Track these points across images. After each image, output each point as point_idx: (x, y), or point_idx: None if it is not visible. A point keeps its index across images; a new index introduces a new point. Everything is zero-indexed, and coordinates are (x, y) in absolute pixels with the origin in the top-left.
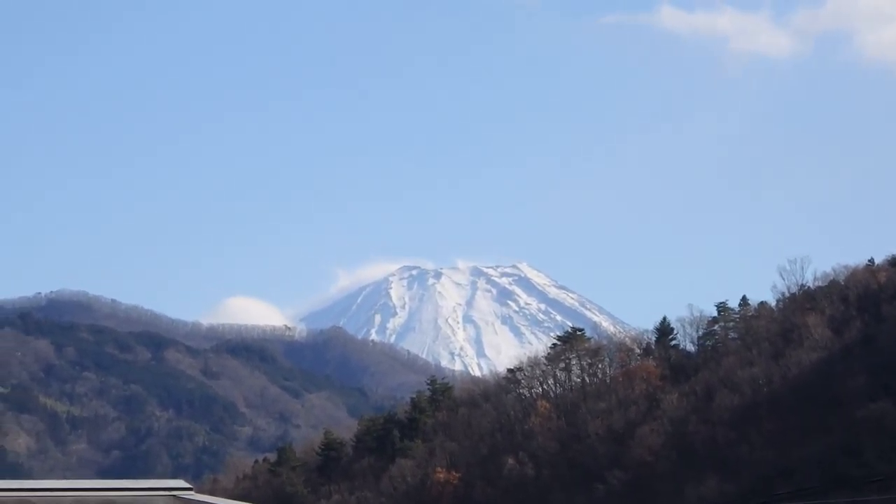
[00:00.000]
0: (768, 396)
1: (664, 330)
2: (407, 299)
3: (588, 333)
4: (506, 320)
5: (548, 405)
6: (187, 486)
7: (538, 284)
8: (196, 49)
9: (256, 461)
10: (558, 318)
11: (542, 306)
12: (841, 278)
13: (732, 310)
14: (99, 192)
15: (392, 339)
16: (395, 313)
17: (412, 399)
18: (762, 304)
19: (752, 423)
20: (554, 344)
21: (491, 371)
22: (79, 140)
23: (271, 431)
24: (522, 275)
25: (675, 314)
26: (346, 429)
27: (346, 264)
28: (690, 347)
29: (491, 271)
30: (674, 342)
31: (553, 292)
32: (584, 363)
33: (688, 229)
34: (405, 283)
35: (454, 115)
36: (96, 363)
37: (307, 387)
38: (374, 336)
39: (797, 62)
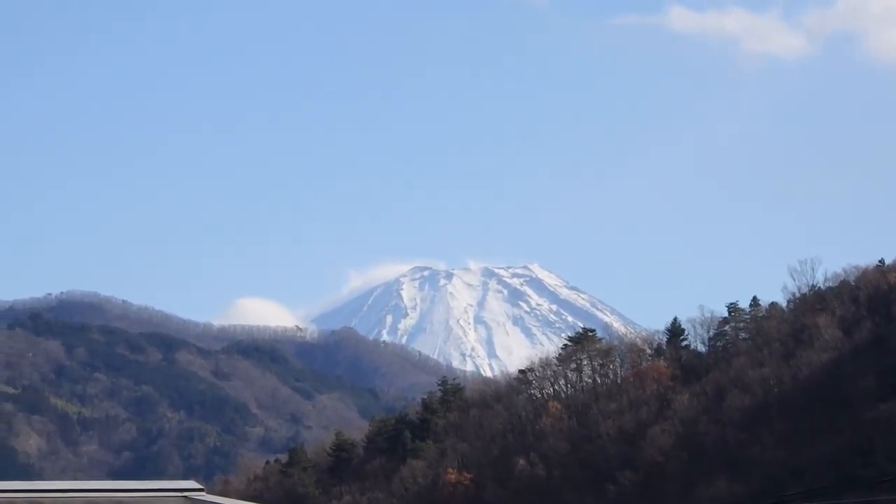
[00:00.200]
0: (779, 397)
1: (675, 331)
2: (418, 300)
3: (599, 334)
4: (517, 321)
5: (559, 406)
6: (199, 486)
7: (549, 285)
8: (206, 49)
9: (268, 462)
10: (569, 318)
11: (554, 307)
12: (851, 279)
13: (743, 310)
14: (111, 192)
15: (403, 340)
16: (407, 314)
17: (423, 400)
18: (773, 304)
19: (762, 424)
20: (565, 345)
21: (502, 372)
22: (89, 140)
23: (282, 432)
24: (534, 275)
25: (686, 315)
26: (358, 430)
27: (358, 265)
28: (701, 348)
29: (502, 272)
30: (685, 343)
31: (564, 293)
32: (596, 364)
33: (699, 230)
34: (416, 283)
35: (465, 117)
36: (107, 364)
37: (318, 388)
38: (385, 337)
39: (807, 63)
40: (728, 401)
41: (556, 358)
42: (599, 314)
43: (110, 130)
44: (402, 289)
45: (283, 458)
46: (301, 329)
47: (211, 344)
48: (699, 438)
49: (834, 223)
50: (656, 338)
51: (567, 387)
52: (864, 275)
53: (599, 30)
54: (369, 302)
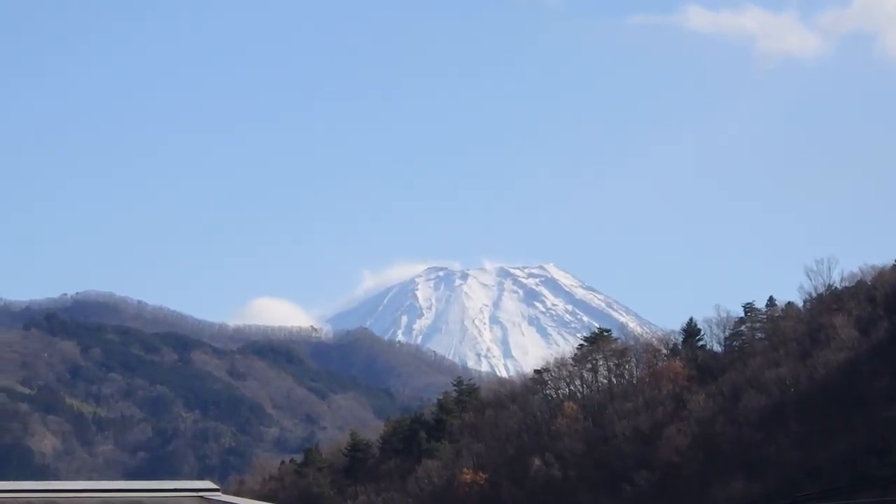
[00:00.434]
0: (795, 397)
1: (691, 331)
2: (433, 300)
3: (615, 334)
4: (532, 321)
5: (574, 406)
6: (214, 486)
7: (565, 285)
8: (215, 48)
9: (283, 462)
10: (585, 318)
11: (569, 307)
12: (868, 279)
13: (759, 310)
14: (127, 193)
15: (418, 340)
16: (422, 314)
17: (439, 400)
18: (789, 304)
19: (778, 424)
20: (581, 345)
21: (517, 372)
22: (103, 141)
23: (297, 432)
24: (549, 276)
25: (702, 315)
26: (373, 430)
27: (373, 265)
28: (717, 348)
29: (518, 272)
30: (701, 343)
31: (580, 293)
32: (611, 364)
33: (715, 230)
34: (432, 284)
35: (482, 117)
36: (122, 364)
37: (333, 388)
38: (400, 337)
39: (823, 62)
40: (744, 401)
41: (572, 358)
42: (615, 314)
43: (130, 131)
44: (417, 289)
45: (299, 458)
46: (316, 329)
47: (226, 344)
48: (715, 438)
49: (850, 223)
50: (672, 338)
51: (583, 387)
52: (881, 274)
53: (616, 29)
54: (384, 302)
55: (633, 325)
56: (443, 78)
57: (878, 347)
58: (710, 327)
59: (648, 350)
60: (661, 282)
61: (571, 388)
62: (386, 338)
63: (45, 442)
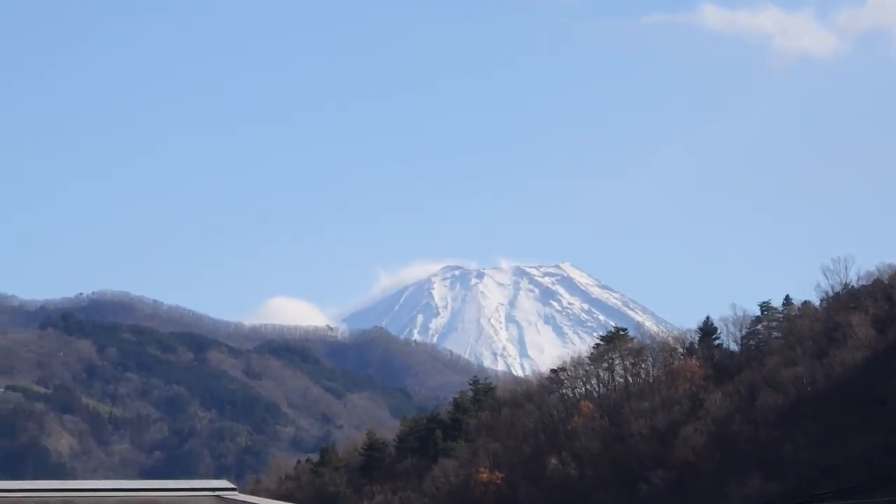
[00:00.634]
0: (812, 396)
1: (707, 329)
2: (449, 299)
3: (631, 333)
4: (548, 320)
5: (591, 405)
6: (231, 486)
7: (581, 284)
8: (228, 43)
9: (299, 461)
10: (601, 317)
11: (585, 306)
12: (885, 277)
13: (776, 309)
14: (142, 192)
15: (434, 340)
16: (438, 313)
17: (455, 399)
18: (806, 303)
19: (795, 423)
20: (597, 344)
21: (534, 371)
22: (117, 139)
23: (314, 432)
24: (565, 274)
25: (719, 314)
26: (389, 429)
27: (389, 264)
28: (734, 347)
29: (534, 271)
30: (717, 342)
31: (596, 292)
32: (628, 363)
33: (731, 228)
34: (447, 283)
35: (496, 115)
36: (138, 364)
37: (349, 387)
38: (416, 336)
39: (839, 60)
40: (761, 400)
41: (588, 357)
42: (631, 313)
43: (137, 128)
44: (433, 288)
45: (315, 457)
46: (332, 328)
47: (242, 343)
48: (732, 437)
49: (867, 221)
50: (688, 337)
51: (599, 386)
52: None
53: (632, 28)
54: (400, 301)
55: (649, 324)
56: (457, 77)
57: (894, 346)
58: (727, 326)
59: (665, 349)
60: (677, 281)
61: (588, 387)
62: (402, 337)
63: (61, 441)
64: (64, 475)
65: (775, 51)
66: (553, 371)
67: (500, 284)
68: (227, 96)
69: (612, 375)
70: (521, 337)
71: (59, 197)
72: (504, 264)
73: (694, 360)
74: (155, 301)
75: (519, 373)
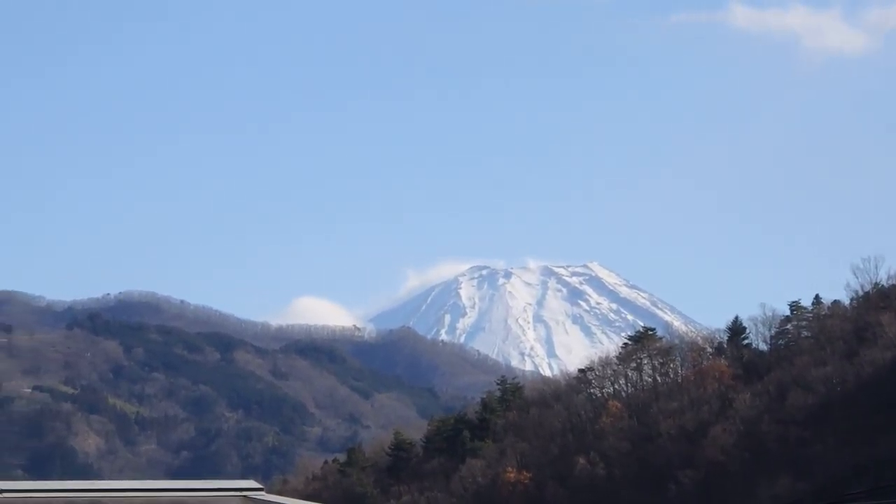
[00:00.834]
0: (842, 395)
1: (736, 329)
2: (477, 299)
3: (659, 333)
4: (576, 320)
5: (619, 405)
6: (258, 486)
7: (609, 284)
8: (248, 39)
9: (326, 462)
10: (629, 317)
11: (614, 306)
12: None
13: (805, 309)
14: (169, 192)
15: (462, 339)
16: (465, 313)
17: (482, 399)
18: (835, 302)
19: (825, 423)
20: (625, 343)
21: (562, 371)
22: (138, 139)
23: (340, 432)
24: (593, 274)
25: (748, 313)
26: (416, 429)
27: (416, 264)
28: (763, 347)
29: (561, 271)
30: (746, 341)
31: (624, 292)
32: (656, 363)
33: (760, 227)
34: (475, 282)
35: (524, 115)
36: (165, 364)
37: (376, 387)
38: (443, 336)
39: (868, 59)
40: (790, 399)
41: (616, 357)
42: (660, 313)
43: (167, 131)
44: (460, 288)
45: (342, 457)
46: (359, 328)
47: (269, 343)
48: (761, 437)
49: None
50: (717, 336)
51: (627, 386)
52: None
53: (659, 27)
54: (428, 301)
55: (677, 323)
56: (486, 76)
57: None
58: (756, 326)
59: (693, 349)
60: (706, 280)
61: (616, 386)
62: (429, 337)
63: (88, 441)
64: (90, 475)
65: (804, 50)
66: (581, 371)
67: (528, 284)
68: (255, 94)
69: (641, 375)
70: (549, 337)
71: (88, 197)
72: (532, 264)
73: (723, 360)
74: (182, 301)
75: (547, 373)
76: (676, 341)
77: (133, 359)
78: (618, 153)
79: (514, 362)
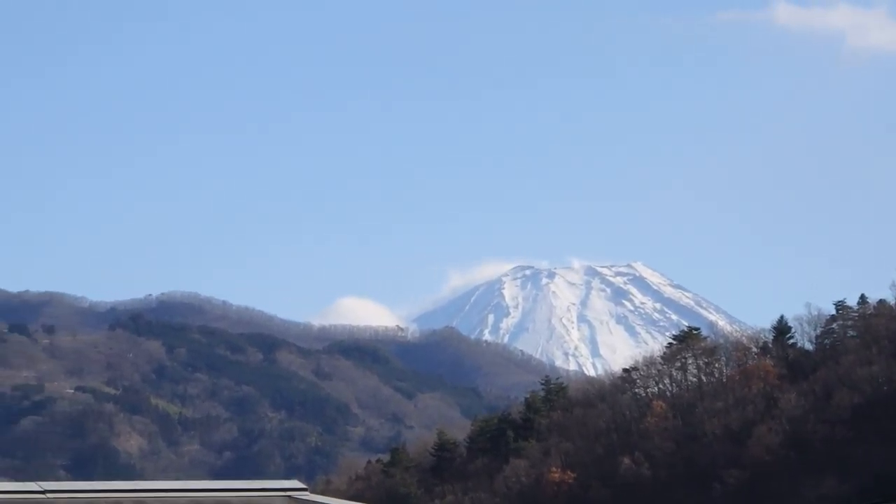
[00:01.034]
0: (888, 395)
1: (782, 329)
2: (520, 299)
3: (704, 332)
4: (621, 320)
5: (664, 405)
6: (302, 486)
7: (653, 283)
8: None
9: (369, 462)
10: (674, 317)
11: (658, 305)
12: None
13: (851, 308)
14: (212, 193)
15: (505, 340)
16: (509, 313)
17: (526, 399)
18: (881, 302)
19: (871, 422)
20: (670, 343)
21: (606, 371)
22: (180, 141)
23: (384, 432)
24: (637, 274)
25: (793, 313)
26: (460, 429)
27: (459, 264)
28: (808, 346)
29: (605, 270)
30: (791, 341)
31: (668, 291)
32: (701, 362)
33: (805, 227)
34: (518, 282)
35: (568, 114)
36: (208, 364)
37: (420, 387)
38: (487, 336)
39: None
40: (836, 399)
41: (661, 357)
42: (704, 312)
43: (206, 133)
44: (503, 288)
45: (385, 457)
46: (402, 329)
47: (311, 344)
48: (806, 437)
49: None
50: (762, 336)
51: (672, 386)
52: None
53: (705, 25)
54: (471, 301)
55: (722, 323)
56: (527, 77)
57: None
58: (801, 325)
59: (738, 348)
60: (750, 280)
61: (660, 386)
62: (472, 337)
63: (130, 442)
64: (133, 476)
65: (848, 48)
66: (625, 371)
67: (572, 284)
68: (297, 90)
69: (685, 375)
70: (593, 337)
71: (130, 200)
72: (575, 264)
73: (768, 360)
74: (224, 302)
75: (591, 373)
76: (721, 341)
77: (176, 359)
78: (662, 152)
79: (558, 362)
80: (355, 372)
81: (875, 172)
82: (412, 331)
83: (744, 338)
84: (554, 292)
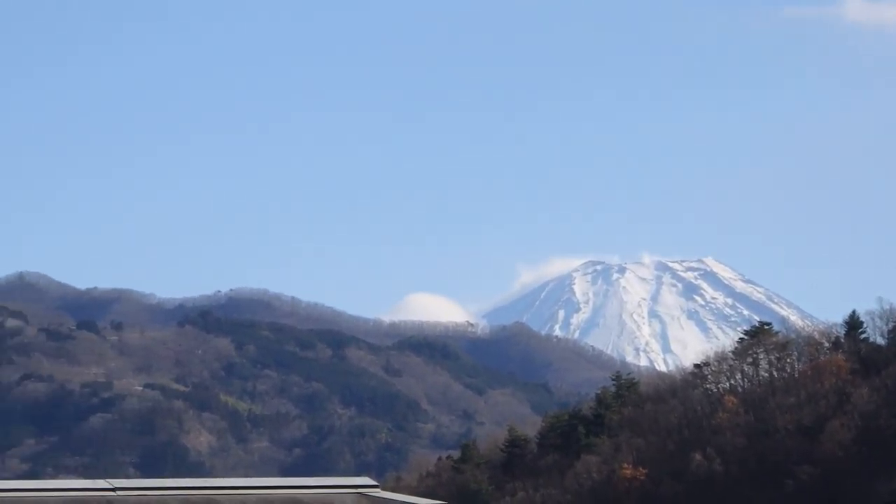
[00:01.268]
0: None
1: (853, 323)
2: (591, 294)
3: (776, 327)
4: (692, 315)
5: (735, 400)
6: (373, 483)
7: (724, 278)
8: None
9: (440, 458)
10: (745, 312)
11: (729, 300)
12: None
13: None
14: (283, 190)
15: (576, 335)
16: (579, 309)
17: (597, 395)
18: None
19: None
20: (741, 338)
21: (677, 366)
22: (264, 140)
23: (454, 428)
24: (708, 269)
25: (865, 307)
26: (530, 425)
27: (529, 260)
28: (881, 341)
29: (676, 266)
30: (864, 335)
31: (740, 286)
32: (772, 358)
33: (877, 220)
34: (589, 278)
35: (638, 111)
36: (277, 361)
37: (490, 383)
38: (557, 332)
39: None
40: None
41: (732, 352)
42: (776, 307)
43: (271, 135)
44: (574, 283)
45: (456, 454)
46: (472, 325)
47: (381, 340)
48: (880, 433)
49: None
50: (834, 331)
51: (743, 381)
52: None
53: (772, 20)
54: (541, 297)
55: (794, 318)
56: (600, 75)
57: None
58: (873, 320)
59: (810, 343)
60: (822, 274)
61: (732, 382)
62: (543, 332)
63: (200, 439)
64: (203, 473)
65: None
66: (696, 366)
67: (642, 279)
68: (353, 92)
69: (757, 370)
70: (664, 332)
71: (200, 197)
72: (646, 259)
73: (840, 355)
74: (293, 298)
75: (662, 368)
76: (793, 336)
77: (245, 356)
78: (732, 148)
79: (629, 357)
80: (425, 368)
81: None
82: (482, 326)
83: (815, 333)
84: (624, 287)
